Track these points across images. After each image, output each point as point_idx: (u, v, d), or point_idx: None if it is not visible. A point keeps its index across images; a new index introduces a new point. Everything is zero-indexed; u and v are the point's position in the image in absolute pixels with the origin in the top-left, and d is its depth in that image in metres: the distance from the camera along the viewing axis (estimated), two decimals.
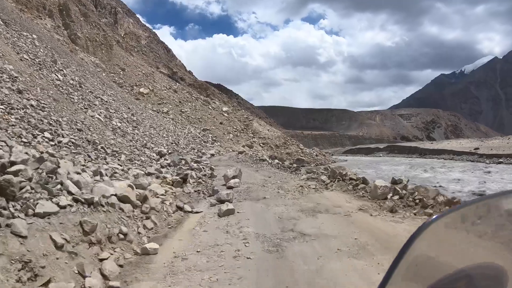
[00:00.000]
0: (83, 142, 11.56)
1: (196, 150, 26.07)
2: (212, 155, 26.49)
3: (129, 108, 26.91)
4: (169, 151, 20.26)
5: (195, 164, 16.38)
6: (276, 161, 24.87)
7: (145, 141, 19.54)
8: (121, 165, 10.98)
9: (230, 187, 10.99)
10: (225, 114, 45.04)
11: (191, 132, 34.04)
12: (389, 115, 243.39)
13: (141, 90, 39.25)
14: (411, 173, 28.74)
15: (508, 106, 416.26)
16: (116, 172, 9.38)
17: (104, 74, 42.66)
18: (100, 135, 14.15)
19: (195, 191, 10.50)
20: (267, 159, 25.31)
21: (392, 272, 0.85)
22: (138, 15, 78.35)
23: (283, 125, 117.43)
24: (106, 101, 23.62)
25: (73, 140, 10.79)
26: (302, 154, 40.82)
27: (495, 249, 0.88)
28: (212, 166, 16.91)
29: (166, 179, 10.68)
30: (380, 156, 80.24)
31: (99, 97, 23.29)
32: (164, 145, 22.00)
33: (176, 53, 75.72)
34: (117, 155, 12.64)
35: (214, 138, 35.79)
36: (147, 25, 77.33)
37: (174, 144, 24.46)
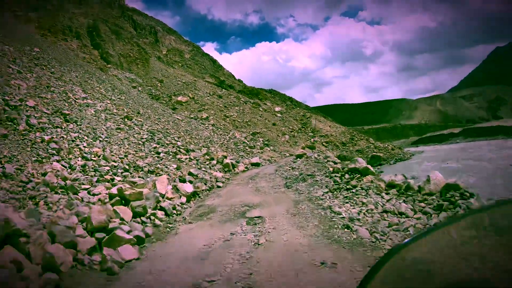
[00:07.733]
0: None
1: (205, 164, 17.33)
2: (256, 164, 18.89)
3: (139, 113, 22.41)
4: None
5: None
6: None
7: None
8: None
9: None
10: (278, 114, 39.03)
11: (234, 137, 28.56)
12: (449, 99, 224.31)
13: (179, 98, 34.60)
14: None
15: None
16: None
17: (140, 88, 39.20)
18: None
19: None
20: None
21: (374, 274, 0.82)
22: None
23: (341, 123, 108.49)
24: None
25: None
26: (376, 149, 33.61)
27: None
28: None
29: None
30: (457, 142, 68.79)
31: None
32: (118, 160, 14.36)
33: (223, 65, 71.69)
34: None
35: (265, 142, 29.91)
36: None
37: (154, 155, 16.96)
